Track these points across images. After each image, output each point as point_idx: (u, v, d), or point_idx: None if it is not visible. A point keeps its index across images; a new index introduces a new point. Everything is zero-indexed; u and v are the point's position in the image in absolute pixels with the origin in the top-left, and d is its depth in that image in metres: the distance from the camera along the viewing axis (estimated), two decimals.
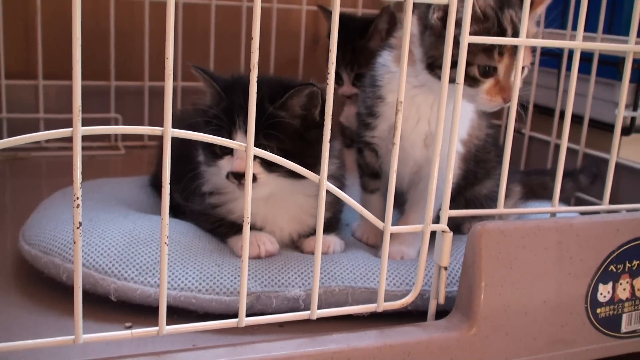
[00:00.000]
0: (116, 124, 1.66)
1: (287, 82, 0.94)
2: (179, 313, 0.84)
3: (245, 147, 0.69)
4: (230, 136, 0.89)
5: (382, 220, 0.78)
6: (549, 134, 1.40)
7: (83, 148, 1.65)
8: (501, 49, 0.86)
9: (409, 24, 0.73)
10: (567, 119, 0.89)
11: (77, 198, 0.63)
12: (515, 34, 0.86)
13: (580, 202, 1.29)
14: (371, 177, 1.05)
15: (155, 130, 0.65)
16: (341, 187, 1.02)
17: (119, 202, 1.07)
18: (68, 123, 1.37)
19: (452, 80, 0.77)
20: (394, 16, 1.40)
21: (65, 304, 0.87)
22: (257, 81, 0.94)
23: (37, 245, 0.92)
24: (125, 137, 1.70)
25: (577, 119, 1.31)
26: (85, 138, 1.70)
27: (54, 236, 0.92)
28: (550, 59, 1.40)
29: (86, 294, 0.81)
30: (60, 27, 1.64)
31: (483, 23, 0.86)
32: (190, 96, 1.70)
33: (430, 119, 0.96)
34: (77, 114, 0.61)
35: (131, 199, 1.11)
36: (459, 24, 0.77)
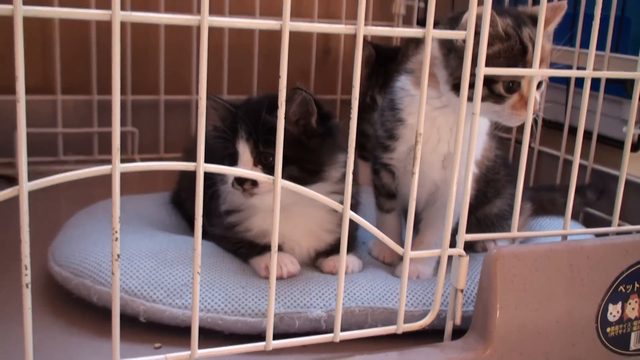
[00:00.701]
0: (132, 137, 1.71)
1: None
2: (206, 333, 0.87)
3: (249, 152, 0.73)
4: (234, 145, 0.95)
5: (399, 242, 0.82)
6: (557, 149, 1.43)
7: (101, 161, 1.70)
8: (524, 64, 0.90)
9: (428, 58, 0.76)
10: (577, 147, 0.92)
11: (116, 232, 0.66)
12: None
13: (588, 217, 1.32)
14: (387, 197, 1.08)
15: (188, 165, 0.69)
16: (356, 204, 1.06)
17: (143, 222, 1.11)
18: (85, 136, 1.42)
19: (471, 99, 0.81)
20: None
21: (96, 325, 0.91)
22: (263, 97, 0.99)
23: (68, 267, 0.95)
24: (142, 149, 1.74)
25: (585, 135, 1.34)
26: (103, 150, 1.74)
27: (83, 258, 0.95)
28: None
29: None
30: (78, 42, 1.67)
31: (506, 41, 0.90)
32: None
33: (449, 140, 0.99)
34: (116, 154, 0.64)
35: (154, 217, 1.15)
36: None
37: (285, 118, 0.92)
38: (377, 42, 1.72)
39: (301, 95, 0.92)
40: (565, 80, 1.43)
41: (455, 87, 0.93)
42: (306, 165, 0.95)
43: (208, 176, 1.02)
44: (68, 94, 1.68)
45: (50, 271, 0.98)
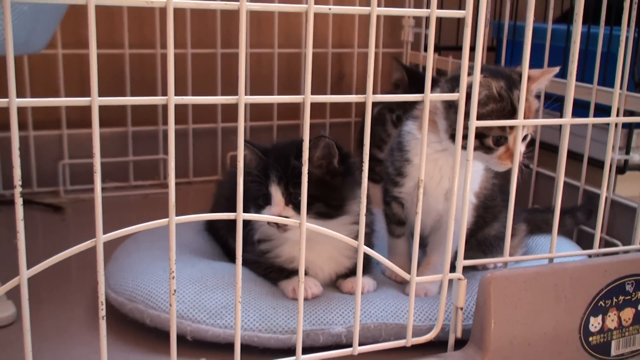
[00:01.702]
0: (164, 164, 1.87)
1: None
2: (243, 348, 1.01)
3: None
4: (267, 188, 1.09)
5: (409, 263, 0.96)
6: (554, 170, 1.57)
7: (135, 187, 1.83)
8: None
9: (427, 118, 0.90)
10: (559, 184, 1.06)
11: (172, 272, 0.81)
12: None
13: (582, 234, 1.46)
14: (397, 224, 1.23)
15: (230, 215, 0.84)
16: (370, 232, 1.21)
17: (184, 249, 1.26)
18: (120, 165, 1.57)
19: (465, 147, 0.95)
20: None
21: (150, 344, 1.06)
22: (290, 143, 1.14)
23: (122, 293, 1.11)
24: None
25: (579, 157, 1.48)
26: (138, 177, 1.88)
27: (136, 285, 1.11)
28: (553, 103, 1.57)
29: (166, 335, 1.00)
30: (113, 78, 1.83)
31: (499, 102, 1.04)
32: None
33: (450, 177, 1.13)
34: (172, 209, 0.79)
35: (193, 245, 1.30)
36: (480, 103, 0.97)
37: (311, 162, 1.08)
38: (409, 66, 1.86)
39: (324, 141, 1.07)
40: (560, 108, 1.57)
41: (452, 137, 1.07)
42: (331, 202, 1.10)
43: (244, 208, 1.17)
44: (105, 127, 1.83)
45: (107, 297, 1.14)
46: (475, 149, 1.02)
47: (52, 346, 1.06)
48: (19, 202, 0.74)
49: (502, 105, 1.04)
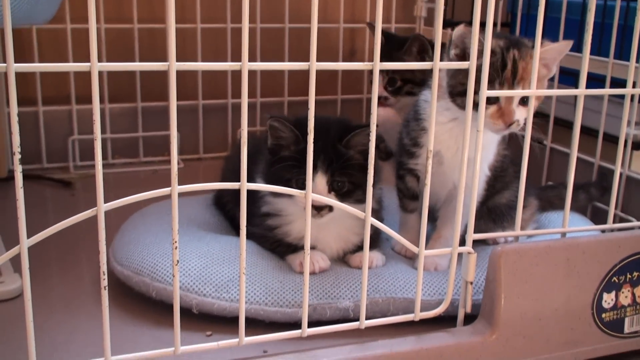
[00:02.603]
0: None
1: (350, 124, 1.11)
2: (249, 322, 1.00)
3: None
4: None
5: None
6: (568, 146, 1.53)
7: (145, 163, 1.83)
8: (501, 80, 1.02)
9: (436, 88, 0.88)
10: (572, 156, 1.04)
11: (175, 242, 0.80)
12: (515, 69, 1.02)
13: (596, 210, 1.43)
14: (411, 199, 1.21)
15: (234, 185, 0.82)
16: (379, 208, 1.19)
17: (191, 224, 1.25)
18: (130, 140, 1.54)
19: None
20: (423, 42, 1.55)
21: (155, 316, 1.05)
22: (325, 123, 1.11)
23: (128, 266, 1.10)
24: (183, 150, 1.88)
25: (594, 133, 1.45)
26: (147, 153, 1.88)
27: (142, 258, 1.10)
28: (568, 77, 1.54)
29: (172, 308, 0.99)
30: (122, 52, 1.81)
31: (491, 57, 1.00)
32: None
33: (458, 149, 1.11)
34: (175, 177, 0.78)
35: (200, 219, 1.29)
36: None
37: (354, 148, 1.07)
38: (388, 31, 1.84)
39: (366, 131, 1.04)
40: (574, 82, 1.53)
41: (450, 94, 1.06)
42: (364, 188, 1.07)
43: (251, 177, 1.15)
44: (115, 103, 1.83)
45: (113, 270, 1.13)
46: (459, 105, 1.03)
47: (58, 318, 1.06)
48: (18, 168, 0.72)
49: (493, 59, 1.01)
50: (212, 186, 0.82)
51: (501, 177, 1.21)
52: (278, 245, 1.14)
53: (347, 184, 1.07)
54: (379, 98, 1.63)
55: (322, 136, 1.06)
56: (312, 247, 1.13)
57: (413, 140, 1.16)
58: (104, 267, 0.78)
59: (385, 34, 1.69)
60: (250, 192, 1.15)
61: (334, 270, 1.10)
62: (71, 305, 1.10)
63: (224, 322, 1.03)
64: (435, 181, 1.09)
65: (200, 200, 1.39)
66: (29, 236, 0.75)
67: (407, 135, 1.18)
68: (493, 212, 1.23)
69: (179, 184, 0.79)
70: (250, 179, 1.13)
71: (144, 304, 1.08)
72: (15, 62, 0.70)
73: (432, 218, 1.21)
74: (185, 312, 1.03)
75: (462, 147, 1.07)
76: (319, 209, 1.05)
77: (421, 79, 1.49)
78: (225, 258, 1.09)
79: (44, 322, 1.03)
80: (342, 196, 1.06)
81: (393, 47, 1.60)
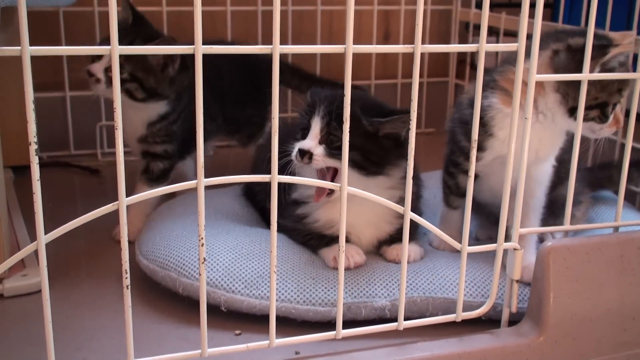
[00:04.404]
0: None
1: (386, 107, 1.07)
2: (280, 320, 0.95)
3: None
4: (309, 121, 1.03)
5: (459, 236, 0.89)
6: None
7: None
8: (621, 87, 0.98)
9: (482, 73, 0.81)
10: (627, 151, 0.96)
11: (202, 238, 0.75)
12: None
13: None
14: (458, 195, 1.14)
15: (264, 177, 0.76)
16: (417, 198, 1.13)
17: (219, 215, 1.19)
18: None
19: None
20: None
21: (182, 313, 1.01)
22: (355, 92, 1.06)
23: (154, 260, 1.05)
24: None
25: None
26: None
27: (168, 252, 1.05)
28: None
29: (197, 303, 0.94)
30: None
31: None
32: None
33: (538, 149, 1.04)
34: (201, 169, 0.72)
35: (229, 210, 1.24)
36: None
37: (383, 130, 1.02)
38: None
39: (405, 117, 1.00)
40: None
41: (571, 111, 0.99)
42: (370, 156, 1.02)
43: (283, 168, 1.10)
44: None
45: (139, 264, 1.08)
46: (591, 119, 0.99)
47: (82, 313, 1.02)
48: (34, 160, 0.68)
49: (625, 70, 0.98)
50: (239, 179, 0.77)
51: (565, 162, 1.12)
52: (310, 239, 1.08)
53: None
54: None
55: (336, 93, 1.02)
56: (345, 238, 1.06)
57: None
58: (126, 265, 0.73)
59: (132, 9, 1.31)
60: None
61: (369, 266, 1.04)
62: (96, 301, 1.06)
63: (253, 320, 0.98)
64: (497, 181, 1.01)
65: (229, 191, 1.33)
66: (54, 226, 0.70)
67: (465, 136, 1.10)
68: (554, 204, 1.15)
69: (209, 175, 0.74)
70: (282, 165, 1.08)
71: (170, 300, 1.03)
72: (44, 45, 0.66)
73: (483, 213, 1.16)
74: (214, 309, 0.99)
75: (536, 147, 1.03)
76: (302, 154, 1.01)
77: None
78: (255, 252, 1.04)
79: (67, 319, 0.99)
80: (333, 151, 1.01)
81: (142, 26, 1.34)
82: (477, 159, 1.07)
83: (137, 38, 1.22)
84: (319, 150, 1.00)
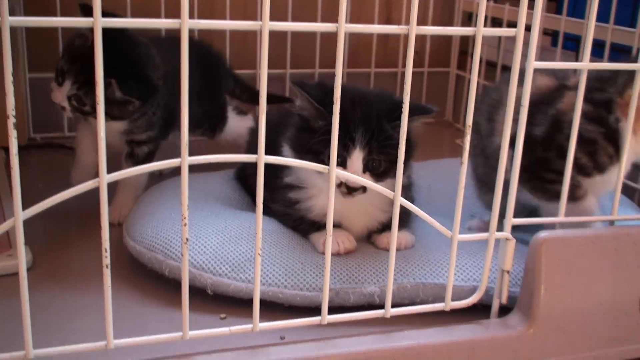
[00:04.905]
0: None
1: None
2: (267, 305, 0.94)
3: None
4: (346, 150, 0.97)
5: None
6: None
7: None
8: None
9: (478, 57, 0.79)
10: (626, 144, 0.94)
11: (185, 218, 0.73)
12: None
13: None
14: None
15: (250, 157, 0.75)
16: (409, 185, 1.11)
17: (209, 198, 1.18)
18: None
19: None
20: None
21: (168, 295, 0.99)
22: (367, 95, 1.03)
23: (141, 242, 1.04)
24: None
25: None
26: None
27: (155, 234, 1.03)
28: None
29: None
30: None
31: None
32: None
33: None
34: (185, 147, 0.71)
35: (220, 194, 1.22)
36: None
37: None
38: None
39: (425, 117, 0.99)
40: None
41: None
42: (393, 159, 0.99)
43: (274, 151, 1.07)
44: None
45: (126, 246, 1.07)
46: None
47: (66, 294, 1.01)
48: (12, 134, 0.66)
49: None
50: (224, 158, 0.75)
51: None
52: (301, 223, 1.07)
53: (384, 163, 0.99)
54: None
55: (364, 109, 0.99)
56: (337, 226, 1.05)
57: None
58: (105, 244, 0.72)
59: None
60: (272, 165, 1.08)
61: (359, 252, 1.02)
62: (82, 283, 1.03)
63: (240, 304, 0.96)
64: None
65: (221, 175, 1.32)
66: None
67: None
68: None
69: (198, 155, 0.72)
70: (276, 149, 1.06)
71: (157, 283, 1.02)
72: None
73: None
74: (200, 292, 0.97)
75: None
76: (352, 190, 0.98)
77: None
78: (243, 236, 1.02)
79: (51, 297, 0.98)
80: (378, 176, 0.99)
81: None
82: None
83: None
84: (370, 179, 0.97)
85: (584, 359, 0.92)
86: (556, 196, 0.96)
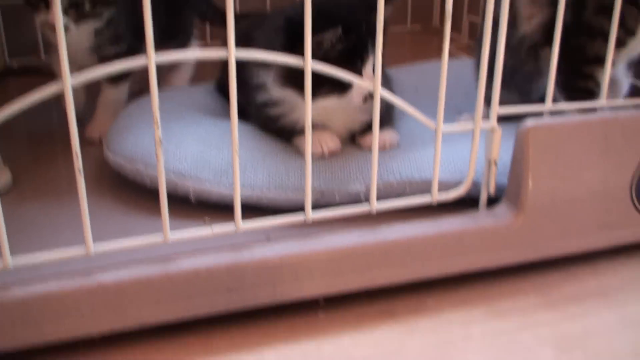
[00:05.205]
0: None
1: None
2: (251, 209, 0.92)
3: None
4: (363, 63, 0.94)
5: None
6: None
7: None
8: None
9: None
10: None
11: (156, 118, 0.71)
12: None
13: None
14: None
15: (219, 52, 0.72)
16: (389, 82, 1.08)
17: (190, 110, 1.15)
18: None
19: None
20: None
21: (150, 205, 0.97)
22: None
23: (122, 154, 1.01)
24: None
25: None
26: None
27: (135, 145, 1.01)
28: None
29: (168, 196, 0.91)
30: None
31: None
32: None
33: None
34: (151, 45, 0.67)
35: (201, 105, 1.19)
36: None
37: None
38: None
39: None
40: None
41: None
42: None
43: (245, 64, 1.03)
44: None
45: (107, 160, 1.05)
46: None
47: (49, 208, 1.00)
48: None
49: None
50: (192, 54, 0.72)
51: None
52: (283, 131, 1.04)
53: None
54: None
55: (363, 14, 0.94)
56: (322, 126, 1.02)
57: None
58: (76, 148, 0.69)
59: None
60: (245, 82, 1.04)
61: (343, 153, 1.00)
62: (65, 198, 1.02)
63: (224, 211, 0.94)
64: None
65: (202, 88, 1.29)
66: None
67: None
68: None
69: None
70: (246, 66, 1.01)
71: (139, 195, 1.00)
72: None
73: None
74: (184, 201, 0.96)
75: None
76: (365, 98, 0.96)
77: None
78: (225, 142, 1.00)
79: (33, 216, 0.97)
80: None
81: None
82: None
83: None
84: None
85: (574, 246, 0.91)
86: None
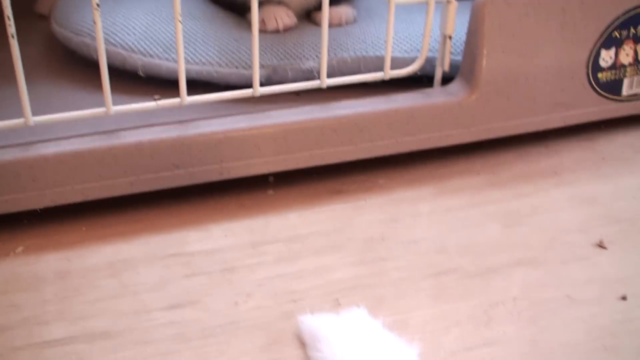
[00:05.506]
0: None
1: None
2: (204, 86, 0.90)
3: None
4: None
5: None
6: None
7: None
8: None
9: None
10: None
11: None
12: None
13: None
14: None
15: None
16: None
17: None
18: None
19: None
20: None
21: (97, 81, 0.95)
22: None
23: (68, 27, 0.97)
24: None
25: None
26: None
27: (82, 16, 0.97)
28: None
29: (117, 71, 0.89)
30: None
31: None
32: None
33: None
34: None
35: None
36: None
37: None
38: None
39: None
40: None
41: None
42: None
43: None
44: None
45: (54, 33, 1.01)
46: None
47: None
48: None
49: None
50: None
51: None
52: (235, 4, 1.00)
53: None
54: None
55: None
56: (278, 3, 0.99)
57: None
58: (7, 11, 0.66)
59: None
60: None
61: (298, 29, 0.97)
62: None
63: (175, 87, 0.92)
64: None
65: None
66: None
67: None
68: None
69: None
70: None
71: (87, 70, 0.96)
72: None
73: None
74: (133, 77, 0.93)
75: None
76: None
77: None
78: (174, 16, 0.96)
79: None
80: None
81: None
82: None
83: None
84: None
85: (528, 125, 0.90)
86: None
